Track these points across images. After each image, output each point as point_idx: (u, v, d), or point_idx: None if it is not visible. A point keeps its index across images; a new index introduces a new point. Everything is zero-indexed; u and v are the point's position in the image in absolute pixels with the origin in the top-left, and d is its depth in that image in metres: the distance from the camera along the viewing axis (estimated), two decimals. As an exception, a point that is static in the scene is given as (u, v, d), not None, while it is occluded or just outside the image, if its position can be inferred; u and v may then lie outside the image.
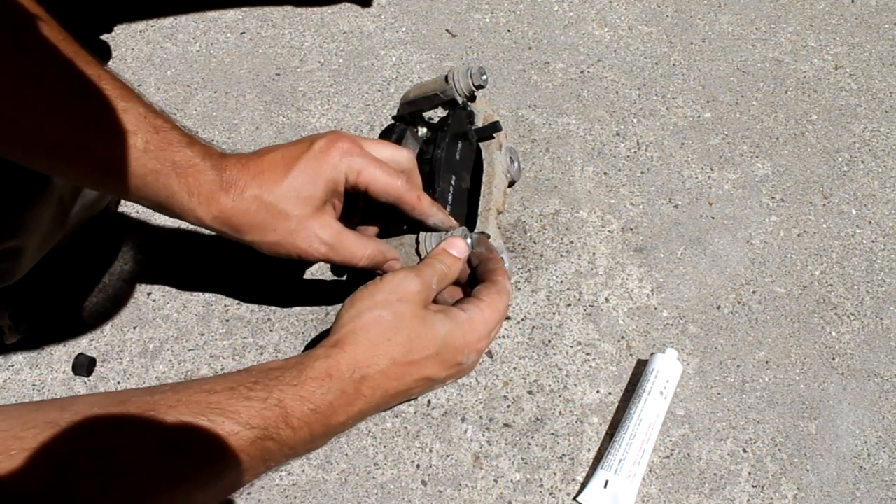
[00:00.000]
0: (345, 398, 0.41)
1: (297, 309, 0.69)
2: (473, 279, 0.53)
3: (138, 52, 0.88)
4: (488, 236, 0.59)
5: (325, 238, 0.51)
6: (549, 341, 0.67)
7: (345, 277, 0.69)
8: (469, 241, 0.53)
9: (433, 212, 0.54)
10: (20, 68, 0.41)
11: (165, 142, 0.46)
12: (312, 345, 0.67)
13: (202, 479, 0.35)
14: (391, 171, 0.52)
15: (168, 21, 0.92)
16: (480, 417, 0.63)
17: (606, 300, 0.70)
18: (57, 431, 0.31)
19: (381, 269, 0.54)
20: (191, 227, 0.74)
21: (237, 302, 0.69)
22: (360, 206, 0.57)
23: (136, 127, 0.45)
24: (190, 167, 0.47)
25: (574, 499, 0.60)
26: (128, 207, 0.75)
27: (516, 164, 0.74)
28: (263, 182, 0.49)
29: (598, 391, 0.65)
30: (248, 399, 0.37)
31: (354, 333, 0.43)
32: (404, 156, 0.54)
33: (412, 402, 0.64)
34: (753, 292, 0.71)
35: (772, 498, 0.60)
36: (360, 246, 0.53)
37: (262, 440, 0.36)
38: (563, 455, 0.62)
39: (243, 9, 0.93)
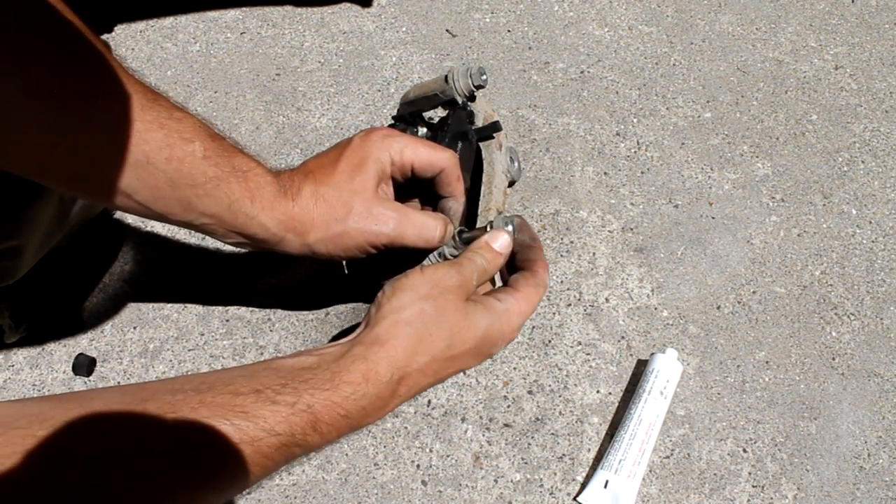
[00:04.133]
0: (379, 402, 0.40)
1: (297, 309, 0.69)
2: (511, 265, 0.51)
3: (138, 52, 0.88)
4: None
5: (391, 214, 0.49)
6: (549, 341, 0.67)
7: (346, 272, 0.69)
8: (511, 228, 0.51)
9: (463, 197, 0.55)
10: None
11: (222, 147, 0.46)
12: (344, 333, 0.67)
13: (220, 483, 0.34)
14: (433, 145, 0.52)
15: (168, 21, 0.92)
16: (480, 417, 0.63)
17: (606, 300, 0.70)
18: (75, 431, 0.31)
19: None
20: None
21: (237, 302, 0.69)
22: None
23: (192, 135, 0.44)
24: (249, 171, 0.46)
25: (574, 499, 0.60)
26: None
27: (516, 164, 0.74)
28: (316, 179, 0.49)
29: (598, 391, 0.65)
30: (274, 403, 0.35)
31: (396, 327, 0.41)
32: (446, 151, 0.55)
33: (412, 402, 0.64)
34: (753, 292, 0.71)
35: (772, 498, 0.60)
36: (432, 217, 0.51)
37: (287, 447, 0.35)
38: (563, 455, 0.62)
39: (243, 9, 0.93)
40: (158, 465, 0.32)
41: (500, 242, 0.49)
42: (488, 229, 0.50)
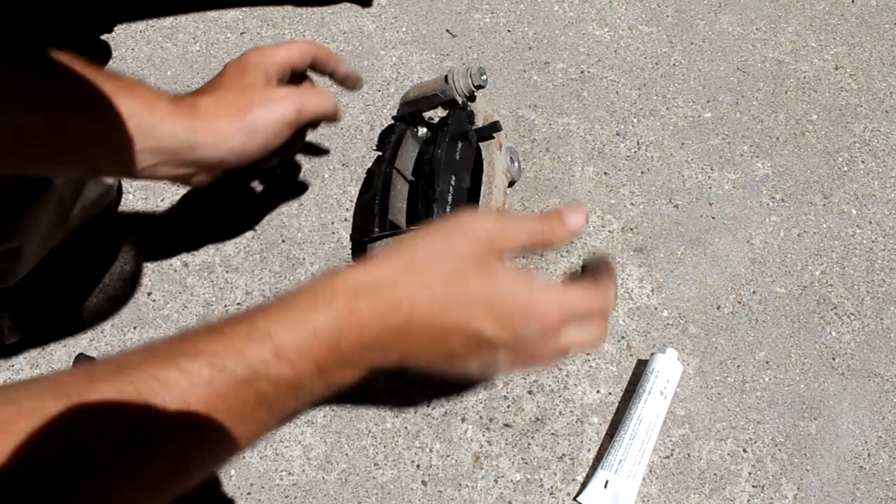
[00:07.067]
0: (354, 318, 0.33)
1: (298, 309, 0.69)
2: None
3: (138, 52, 0.88)
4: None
5: (288, 91, 0.52)
6: (549, 341, 0.67)
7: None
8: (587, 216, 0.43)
9: (345, 63, 0.59)
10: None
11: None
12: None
13: (184, 444, 0.30)
14: (299, 40, 0.57)
15: (168, 21, 0.92)
16: (480, 417, 0.63)
17: (606, 300, 0.70)
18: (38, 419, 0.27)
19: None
20: (191, 226, 0.74)
21: (237, 302, 0.69)
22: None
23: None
24: (138, 86, 0.46)
25: (574, 499, 0.60)
26: (127, 207, 0.75)
27: (516, 164, 0.74)
28: (208, 92, 0.51)
29: (598, 391, 0.65)
30: (222, 335, 0.31)
31: (387, 253, 0.36)
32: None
33: (412, 402, 0.64)
34: (753, 292, 0.71)
35: (772, 498, 0.60)
36: (321, 90, 0.56)
37: (247, 383, 0.31)
38: (564, 455, 0.62)
39: (243, 9, 0.93)
40: (108, 441, 0.29)
41: (572, 217, 0.39)
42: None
